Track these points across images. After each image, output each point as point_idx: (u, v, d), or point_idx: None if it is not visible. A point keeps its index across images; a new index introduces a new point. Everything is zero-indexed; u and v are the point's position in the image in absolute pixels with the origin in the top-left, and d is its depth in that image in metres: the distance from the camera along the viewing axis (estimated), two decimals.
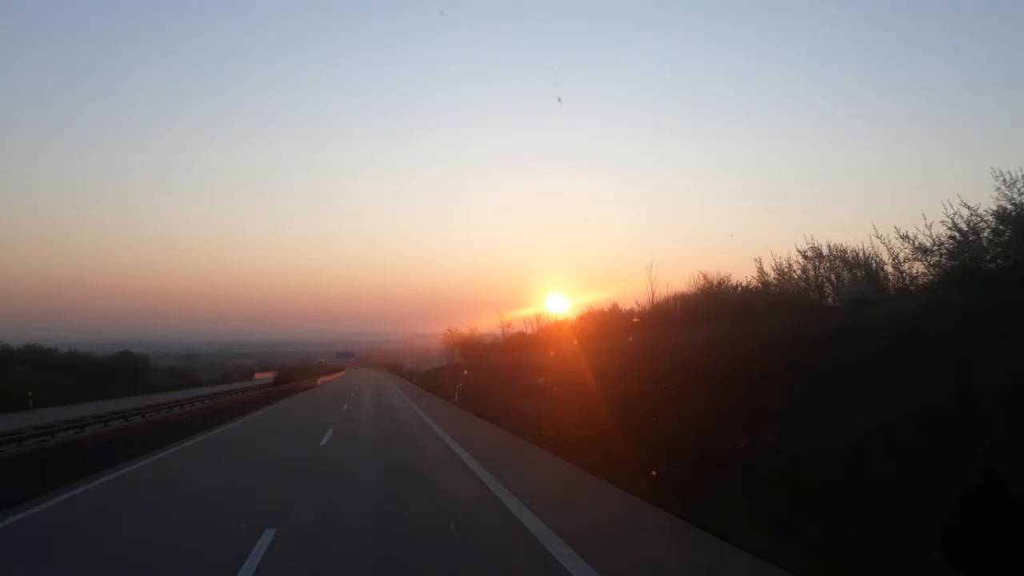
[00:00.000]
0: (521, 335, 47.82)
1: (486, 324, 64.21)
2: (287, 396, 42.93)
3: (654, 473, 10.54)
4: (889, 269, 15.77)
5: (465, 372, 58.44)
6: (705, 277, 22.57)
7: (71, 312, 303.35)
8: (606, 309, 33.76)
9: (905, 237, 14.60)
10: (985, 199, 12.31)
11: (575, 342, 32.07)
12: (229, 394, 39.40)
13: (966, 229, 12.51)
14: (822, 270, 20.12)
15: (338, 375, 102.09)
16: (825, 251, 20.06)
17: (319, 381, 69.03)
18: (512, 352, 42.66)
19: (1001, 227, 12.18)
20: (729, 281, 22.28)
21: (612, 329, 28.59)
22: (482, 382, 34.68)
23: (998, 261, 12.12)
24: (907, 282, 15.25)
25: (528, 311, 51.37)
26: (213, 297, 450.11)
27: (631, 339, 23.87)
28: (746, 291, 22.20)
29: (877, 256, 16.28)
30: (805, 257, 20.35)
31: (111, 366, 54.17)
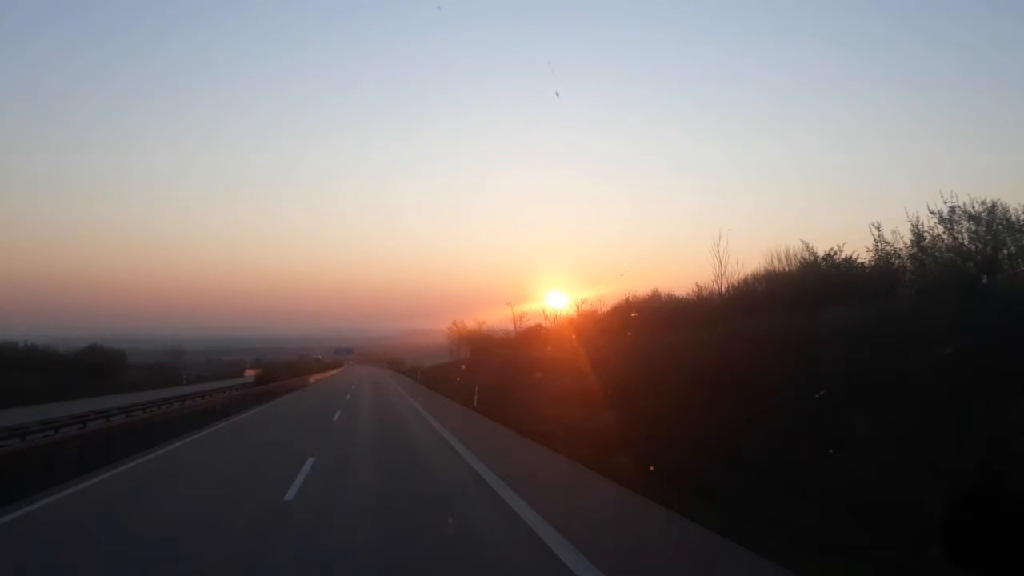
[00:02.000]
0: (537, 328, 42.53)
1: (494, 318, 59.84)
2: (268, 400, 35.96)
3: None
4: None
5: (463, 367, 53.52)
6: (809, 248, 17.17)
7: (69, 311, 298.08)
8: (647, 295, 28.39)
9: None
10: None
11: (608, 336, 26.85)
12: (190, 398, 32.52)
13: None
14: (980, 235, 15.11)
15: (334, 372, 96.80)
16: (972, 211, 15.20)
17: (312, 380, 63.07)
18: (527, 347, 37.44)
19: None
20: (840, 253, 16.88)
21: (665, 320, 23.20)
22: (499, 382, 29.28)
23: None
24: None
25: (538, 305, 46.52)
26: (213, 293, 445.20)
27: (712, 331, 18.44)
28: (856, 265, 16.90)
29: None
30: (944, 222, 15.29)
31: (78, 363, 48.41)
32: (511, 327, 50.36)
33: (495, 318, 60.27)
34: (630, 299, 28.65)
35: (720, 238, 21.26)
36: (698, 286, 22.76)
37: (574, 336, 30.90)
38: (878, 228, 15.98)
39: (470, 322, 66.46)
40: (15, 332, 62.20)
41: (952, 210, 15.00)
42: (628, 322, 26.05)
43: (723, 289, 21.39)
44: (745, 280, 20.38)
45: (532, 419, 17.57)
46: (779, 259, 20.88)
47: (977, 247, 14.82)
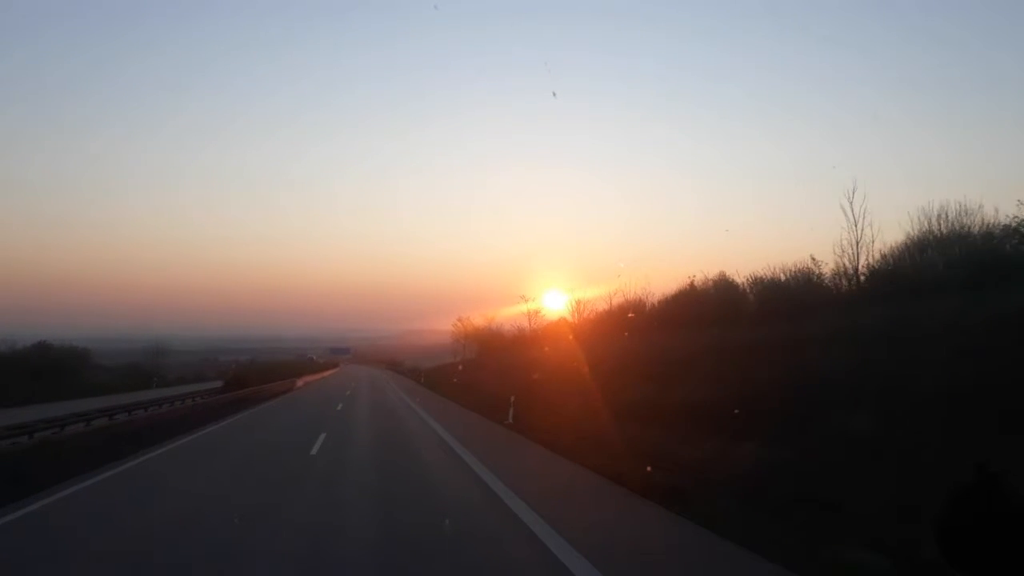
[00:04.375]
0: (561, 323, 36.01)
1: (503, 316, 53.65)
2: (233, 413, 26.06)
3: None
4: None
5: (460, 367, 47.54)
6: None
7: (68, 312, 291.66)
8: (715, 278, 21.90)
9: None
10: None
11: (669, 333, 20.50)
12: (108, 415, 24.77)
13: None
14: None
15: (328, 373, 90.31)
16: None
17: (300, 383, 55.72)
18: (550, 346, 30.96)
19: None
20: None
21: (764, 309, 16.81)
22: (525, 388, 22.83)
23: None
24: None
25: (550, 301, 40.33)
26: (212, 293, 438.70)
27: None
28: None
29: None
30: None
31: (21, 363, 41.32)
32: (526, 323, 43.94)
33: (504, 316, 54.08)
34: (696, 284, 22.16)
35: (853, 192, 14.85)
36: (814, 260, 16.32)
37: (617, 333, 24.64)
38: None
39: (478, 318, 60.08)
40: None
41: None
42: (700, 314, 19.61)
43: (859, 264, 14.98)
44: (905, 248, 13.99)
45: (617, 455, 11.12)
46: (942, 220, 14.55)
47: None
